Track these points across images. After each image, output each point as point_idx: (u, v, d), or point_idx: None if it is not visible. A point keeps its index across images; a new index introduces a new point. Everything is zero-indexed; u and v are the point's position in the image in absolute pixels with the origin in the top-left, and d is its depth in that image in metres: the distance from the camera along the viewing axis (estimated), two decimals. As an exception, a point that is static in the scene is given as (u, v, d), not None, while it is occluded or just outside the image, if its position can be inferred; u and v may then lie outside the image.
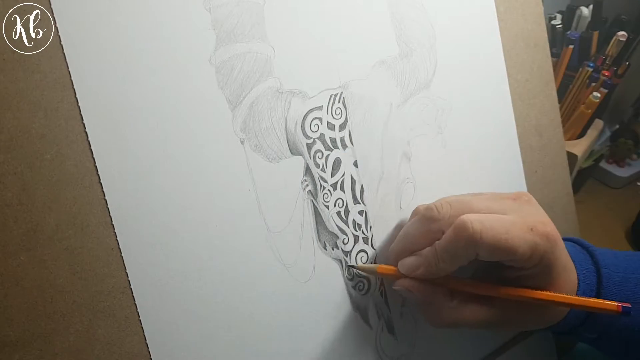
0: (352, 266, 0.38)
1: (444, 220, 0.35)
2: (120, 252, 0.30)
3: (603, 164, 0.84)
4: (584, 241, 0.43)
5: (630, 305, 0.34)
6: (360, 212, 0.38)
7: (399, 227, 0.40)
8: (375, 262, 0.39)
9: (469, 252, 0.33)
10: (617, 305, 0.34)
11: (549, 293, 0.36)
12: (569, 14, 0.74)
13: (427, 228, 0.36)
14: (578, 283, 0.38)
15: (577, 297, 0.35)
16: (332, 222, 0.37)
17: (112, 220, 0.29)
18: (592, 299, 0.35)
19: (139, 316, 0.30)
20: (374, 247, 0.39)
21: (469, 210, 0.35)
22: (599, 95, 0.68)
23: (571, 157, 0.66)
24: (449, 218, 0.35)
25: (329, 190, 0.36)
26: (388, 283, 0.40)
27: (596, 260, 0.40)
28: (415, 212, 0.39)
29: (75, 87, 0.28)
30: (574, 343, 0.54)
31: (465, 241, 0.33)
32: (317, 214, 0.36)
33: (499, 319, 0.37)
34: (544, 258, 0.34)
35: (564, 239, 0.40)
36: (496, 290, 0.36)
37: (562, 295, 0.36)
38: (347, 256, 0.38)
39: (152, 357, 0.31)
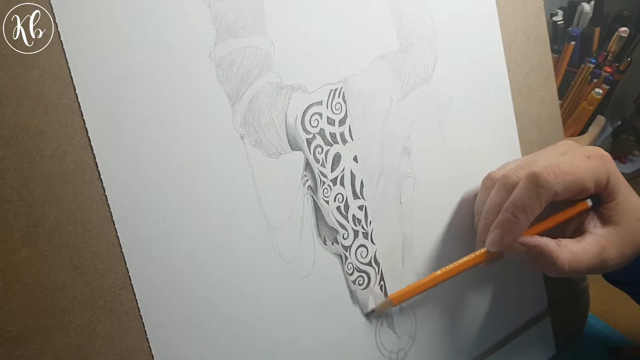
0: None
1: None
2: (121, 248, 0.30)
3: (605, 160, 0.83)
4: None
5: None
6: (360, 207, 0.38)
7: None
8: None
9: (547, 195, 0.36)
10: None
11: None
12: (570, 10, 0.74)
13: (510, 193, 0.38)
14: None
15: None
16: (332, 217, 0.37)
17: (112, 216, 0.29)
18: None
19: (139, 311, 0.30)
20: (374, 242, 0.39)
21: (537, 165, 0.38)
22: (600, 91, 0.68)
23: (573, 153, 0.66)
24: None
25: (328, 185, 0.36)
26: (389, 276, 0.40)
27: None
28: (489, 181, 0.41)
29: (75, 83, 0.28)
30: (573, 339, 0.54)
31: (541, 186, 0.36)
32: (317, 209, 0.36)
33: (602, 247, 0.39)
34: (610, 178, 0.39)
35: None
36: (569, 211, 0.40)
37: None
38: (347, 251, 0.38)
39: (152, 352, 0.31)
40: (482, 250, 0.39)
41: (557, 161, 0.38)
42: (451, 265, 0.39)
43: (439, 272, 0.39)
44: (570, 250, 0.38)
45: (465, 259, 0.39)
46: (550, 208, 0.39)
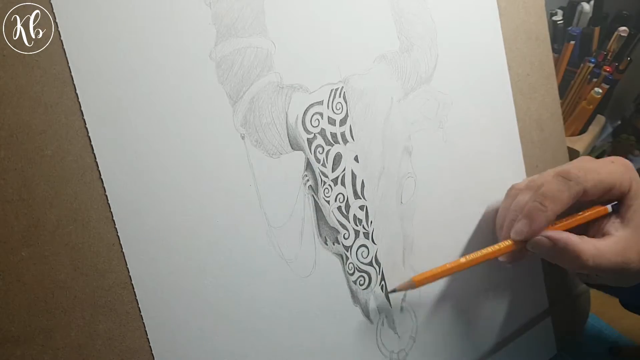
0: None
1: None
2: (121, 248, 0.30)
3: (605, 160, 0.83)
4: None
5: None
6: (361, 207, 0.38)
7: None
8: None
9: (576, 189, 0.38)
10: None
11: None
12: (570, 10, 0.74)
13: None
14: None
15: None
16: (333, 217, 0.37)
17: (113, 216, 0.29)
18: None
19: (140, 311, 0.30)
20: (375, 242, 0.39)
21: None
22: (600, 91, 0.68)
23: (573, 153, 0.66)
24: None
25: (329, 185, 0.36)
26: (390, 276, 0.40)
27: None
28: (513, 190, 0.43)
29: (75, 82, 0.28)
30: (573, 339, 0.54)
31: (571, 179, 0.38)
32: (317, 209, 0.36)
33: (624, 247, 0.39)
34: (632, 183, 0.40)
35: None
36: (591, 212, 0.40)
37: None
38: (347, 251, 0.38)
39: (153, 352, 0.31)
40: (508, 242, 0.39)
41: (586, 164, 0.39)
42: (476, 254, 0.39)
43: (463, 259, 0.39)
44: (594, 246, 0.38)
45: (490, 248, 0.39)
46: (569, 213, 0.40)
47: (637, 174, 0.40)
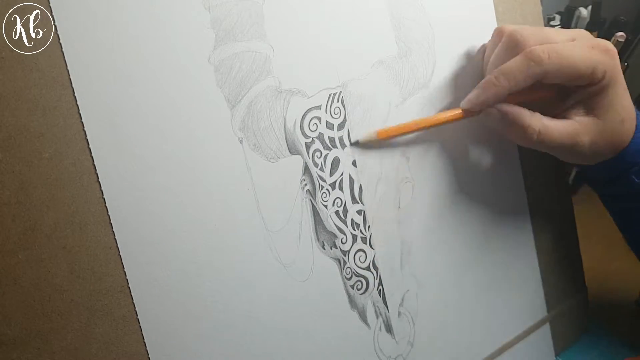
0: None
1: (527, 45, 0.38)
2: (119, 251, 0.29)
3: (602, 165, 0.83)
4: None
5: None
6: (359, 212, 0.38)
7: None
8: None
9: (536, 71, 0.37)
10: None
11: None
12: (567, 15, 0.74)
13: (513, 53, 0.38)
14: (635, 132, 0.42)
15: None
16: (331, 221, 0.37)
17: (110, 219, 0.29)
18: None
19: (137, 315, 0.30)
20: (373, 247, 0.39)
21: (547, 41, 0.39)
22: (597, 96, 0.68)
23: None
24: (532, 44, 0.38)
25: (327, 189, 0.36)
26: (388, 281, 0.40)
27: None
28: (498, 33, 0.41)
29: (73, 85, 0.28)
30: (570, 341, 0.54)
31: (532, 60, 0.37)
32: (315, 213, 0.36)
33: (576, 131, 0.40)
34: (607, 72, 0.38)
35: None
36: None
37: None
38: (345, 256, 0.38)
39: (149, 356, 0.31)
40: (459, 111, 0.40)
41: (559, 46, 0.38)
42: (430, 117, 0.40)
43: (417, 119, 0.39)
44: (542, 123, 0.39)
45: (442, 114, 0.40)
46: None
47: (617, 62, 0.39)
